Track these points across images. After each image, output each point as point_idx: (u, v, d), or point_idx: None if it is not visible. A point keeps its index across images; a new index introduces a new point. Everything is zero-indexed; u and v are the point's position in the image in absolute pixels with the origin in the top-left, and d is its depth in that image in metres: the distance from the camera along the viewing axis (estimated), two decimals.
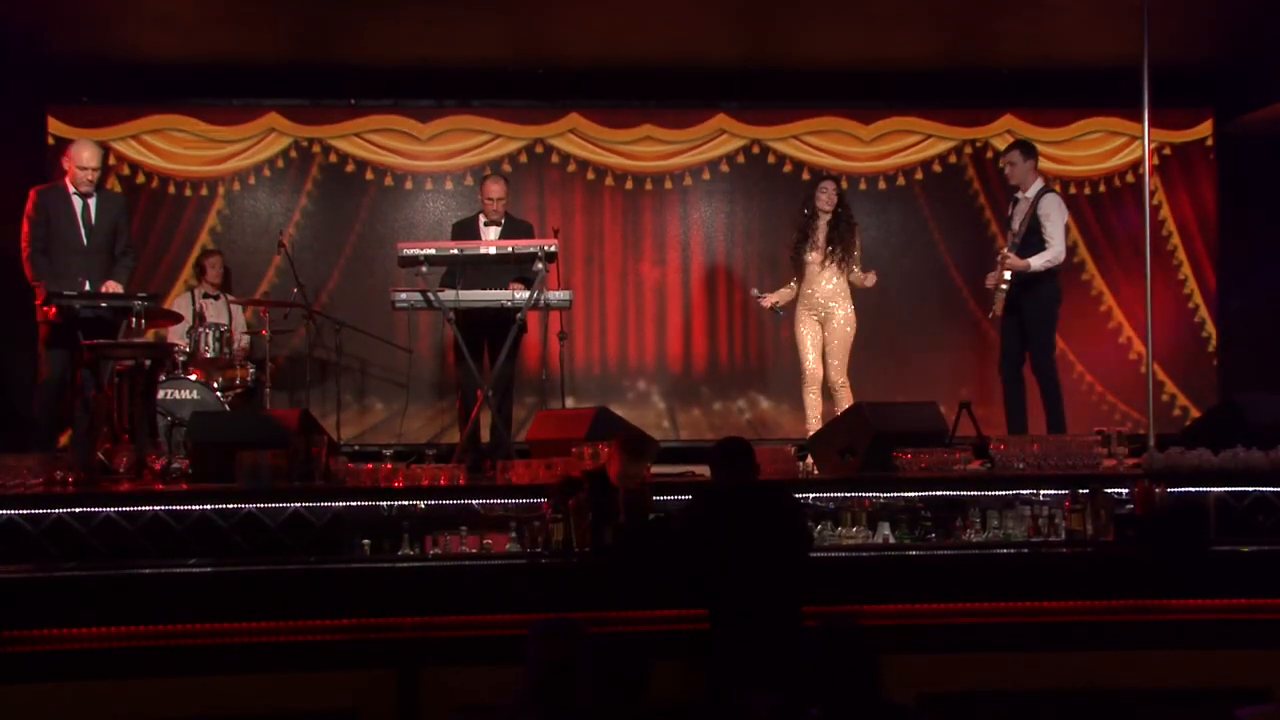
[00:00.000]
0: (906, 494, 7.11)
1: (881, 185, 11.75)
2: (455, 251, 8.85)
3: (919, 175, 11.78)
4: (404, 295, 8.68)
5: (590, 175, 11.67)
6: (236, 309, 10.42)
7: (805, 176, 11.51)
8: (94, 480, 7.27)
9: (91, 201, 8.63)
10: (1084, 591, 6.33)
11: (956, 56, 11.01)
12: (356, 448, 10.02)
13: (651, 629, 5.98)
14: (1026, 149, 9.27)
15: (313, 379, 10.17)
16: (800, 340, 9.37)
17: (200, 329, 9.65)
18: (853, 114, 11.77)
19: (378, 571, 6.41)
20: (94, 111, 11.25)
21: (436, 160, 11.61)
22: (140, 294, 8.27)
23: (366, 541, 6.88)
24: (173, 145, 11.41)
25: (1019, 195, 9.25)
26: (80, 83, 11.14)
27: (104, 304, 8.15)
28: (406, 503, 6.96)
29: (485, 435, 9.06)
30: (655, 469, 7.67)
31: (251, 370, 9.84)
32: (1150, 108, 8.63)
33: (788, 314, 9.47)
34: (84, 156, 8.60)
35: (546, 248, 8.66)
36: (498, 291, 8.88)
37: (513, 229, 9.40)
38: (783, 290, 9.50)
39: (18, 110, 10.98)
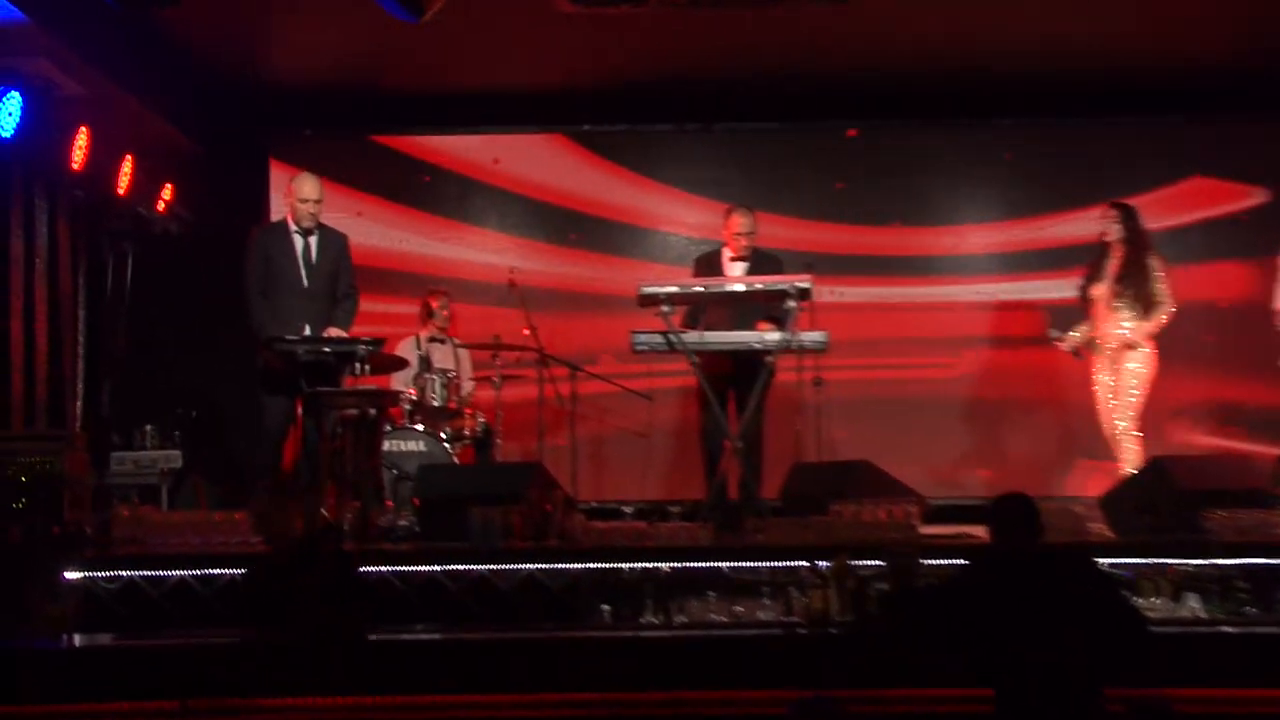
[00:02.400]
0: (1218, 561, 6.86)
1: None
2: (699, 289, 8.83)
3: None
4: (643, 337, 8.69)
5: None
6: (464, 353, 10.46)
7: None
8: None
9: (313, 239, 8.77)
10: None
11: None
12: (594, 504, 10.01)
13: (925, 710, 5.88)
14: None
15: (546, 429, 10.11)
16: (1094, 392, 9.20)
17: (426, 375, 9.71)
18: None
19: (620, 641, 6.44)
20: (317, 142, 11.66)
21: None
22: (364, 339, 8.36)
23: (607, 608, 6.89)
24: None
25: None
26: (303, 113, 11.55)
27: (326, 349, 8.24)
28: (650, 565, 6.92)
29: (734, 491, 8.93)
30: (926, 530, 7.50)
31: (481, 420, 9.93)
32: None
33: (1088, 358, 9.29)
34: (304, 189, 8.72)
35: (798, 284, 8.56)
36: (745, 332, 8.84)
37: (760, 264, 9.32)
38: (1081, 326, 9.26)
39: (239, 144, 11.42)
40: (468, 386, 10.13)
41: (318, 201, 8.74)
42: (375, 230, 11.60)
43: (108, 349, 10.16)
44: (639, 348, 8.69)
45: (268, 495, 6.30)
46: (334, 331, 8.60)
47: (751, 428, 8.94)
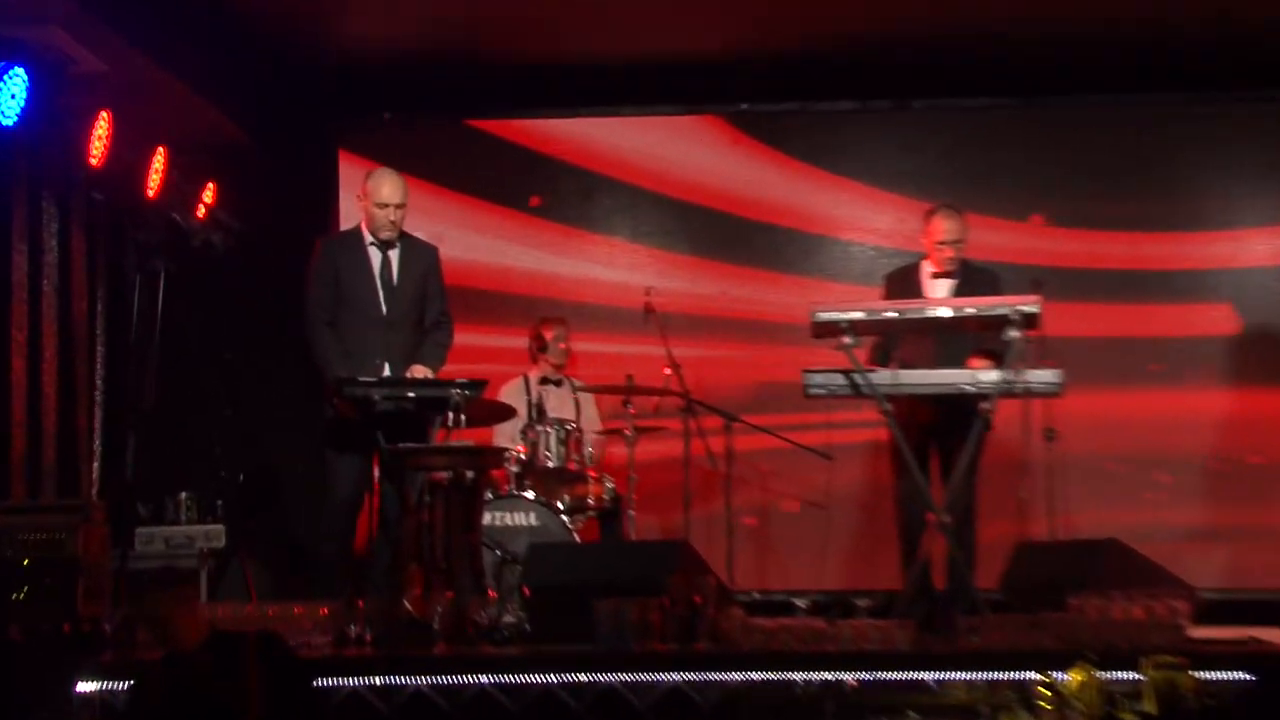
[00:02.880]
0: None
1: None
2: (892, 315, 8.68)
3: None
4: (819, 377, 8.54)
5: None
6: (587, 399, 10.44)
7: None
8: (399, 639, 7.34)
9: (393, 254, 8.83)
10: None
11: None
12: (757, 595, 9.97)
13: None
14: None
15: (693, 496, 9.98)
16: None
17: (539, 428, 9.72)
18: None
19: None
20: (398, 129, 11.81)
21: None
22: (459, 380, 8.29)
23: None
24: None
25: None
26: (381, 93, 11.63)
27: (410, 394, 8.25)
28: (830, 676, 6.74)
29: (940, 579, 8.86)
30: (1198, 632, 7.29)
31: (609, 485, 9.90)
32: None
33: None
34: (383, 190, 8.75)
35: (1023, 308, 8.34)
36: (953, 371, 8.67)
37: (972, 281, 9.25)
38: None
39: (300, 132, 11.54)
40: (592, 441, 10.08)
41: (400, 206, 8.73)
42: (473, 241, 11.68)
43: (133, 395, 10.07)
44: (813, 391, 8.56)
45: (161, 594, 6.23)
46: (420, 371, 8.62)
47: (962, 495, 8.78)
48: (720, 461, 10.05)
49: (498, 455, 9.10)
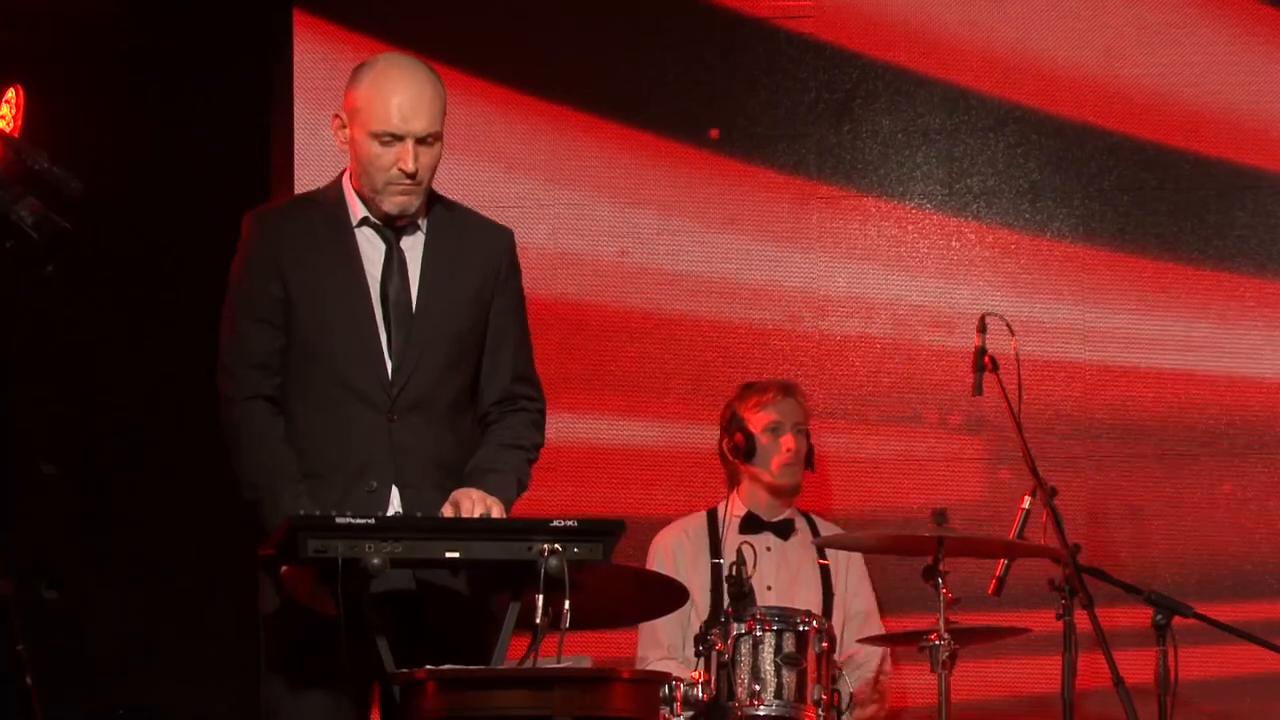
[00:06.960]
0: None
1: None
2: None
3: None
4: None
5: None
6: (848, 565, 7.84)
7: None
8: None
9: (412, 246, 6.46)
10: None
11: None
12: None
13: None
14: None
15: None
16: None
17: (737, 629, 7.31)
18: None
19: None
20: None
21: None
22: (561, 521, 6.06)
23: None
24: None
25: None
26: None
27: (451, 553, 6.37)
28: None
29: None
30: None
31: None
32: None
33: None
34: (393, 103, 6.62)
35: None
36: None
37: None
38: None
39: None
40: (867, 666, 7.41)
41: (431, 137, 6.01)
42: (571, 208, 8.36)
43: None
44: None
45: None
46: (476, 504, 5.88)
47: None
48: (1168, 704, 7.06)
49: (647, 692, 6.11)
